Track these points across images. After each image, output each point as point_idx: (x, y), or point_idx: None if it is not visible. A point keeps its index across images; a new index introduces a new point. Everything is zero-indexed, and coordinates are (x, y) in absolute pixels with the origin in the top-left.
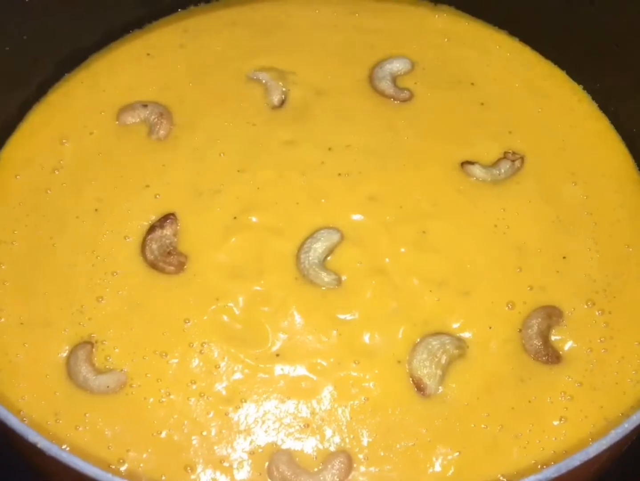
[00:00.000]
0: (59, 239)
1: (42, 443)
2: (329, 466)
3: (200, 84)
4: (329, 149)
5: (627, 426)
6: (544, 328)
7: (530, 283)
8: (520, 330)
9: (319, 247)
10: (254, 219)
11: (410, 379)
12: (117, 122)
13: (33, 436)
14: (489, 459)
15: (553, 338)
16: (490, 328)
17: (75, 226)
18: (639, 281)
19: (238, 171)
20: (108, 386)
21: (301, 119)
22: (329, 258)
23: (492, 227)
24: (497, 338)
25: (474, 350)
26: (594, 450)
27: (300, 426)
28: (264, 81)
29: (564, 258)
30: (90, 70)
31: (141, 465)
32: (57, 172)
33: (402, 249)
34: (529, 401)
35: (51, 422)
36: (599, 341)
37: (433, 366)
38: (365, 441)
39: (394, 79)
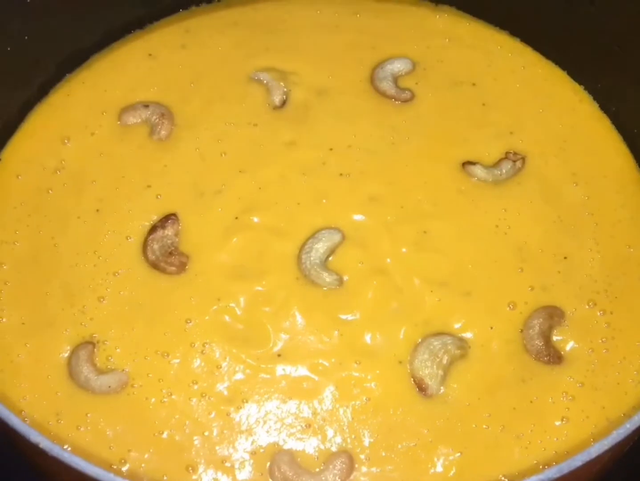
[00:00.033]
0: (60, 240)
1: (44, 443)
2: (331, 466)
3: (202, 85)
4: (330, 149)
5: (629, 427)
6: (546, 328)
7: (532, 283)
8: (521, 330)
9: (320, 247)
10: (255, 219)
11: (412, 379)
12: (118, 123)
13: (35, 437)
14: (491, 459)
15: (554, 338)
16: (491, 328)
17: (77, 226)
18: None
19: (239, 171)
20: (109, 386)
21: (302, 120)
22: (330, 258)
23: (494, 227)
24: (498, 338)
25: (476, 350)
26: (595, 450)
27: (301, 426)
28: (265, 82)
29: (565, 258)
30: (91, 70)
31: (143, 465)
32: (58, 173)
33: (404, 250)
34: (531, 402)
35: (53, 422)
36: (600, 341)
37: (434, 366)
38: (366, 441)
39: (395, 79)
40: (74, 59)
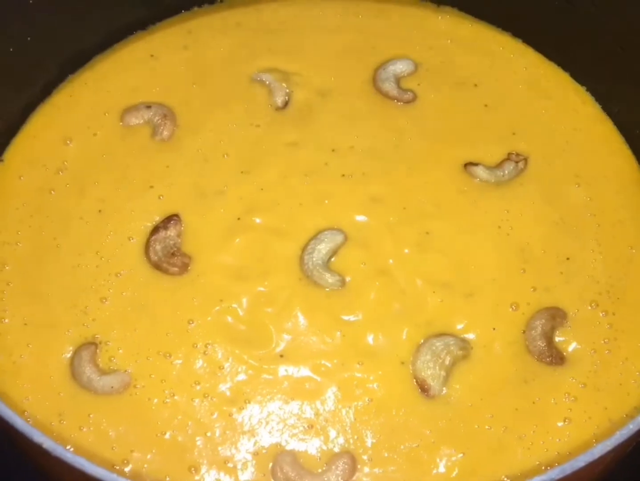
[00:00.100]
0: (62, 240)
1: (47, 443)
2: (333, 467)
3: (204, 85)
4: (333, 150)
5: (631, 427)
6: (548, 329)
7: (534, 284)
8: (524, 331)
9: (322, 248)
10: (257, 220)
11: (414, 380)
12: (121, 123)
13: (38, 437)
14: (493, 460)
15: (557, 339)
16: (494, 329)
17: (79, 226)
18: None
19: (242, 172)
20: (112, 387)
21: (305, 121)
22: (332, 259)
23: (496, 228)
24: (501, 339)
25: (478, 351)
26: (598, 451)
27: (304, 427)
28: (267, 82)
29: (568, 259)
30: (94, 71)
31: (145, 465)
32: (61, 173)
33: (406, 250)
34: (533, 402)
35: (55, 423)
36: (602, 342)
37: (437, 367)
38: (369, 442)
39: (398, 80)
40: (76, 60)
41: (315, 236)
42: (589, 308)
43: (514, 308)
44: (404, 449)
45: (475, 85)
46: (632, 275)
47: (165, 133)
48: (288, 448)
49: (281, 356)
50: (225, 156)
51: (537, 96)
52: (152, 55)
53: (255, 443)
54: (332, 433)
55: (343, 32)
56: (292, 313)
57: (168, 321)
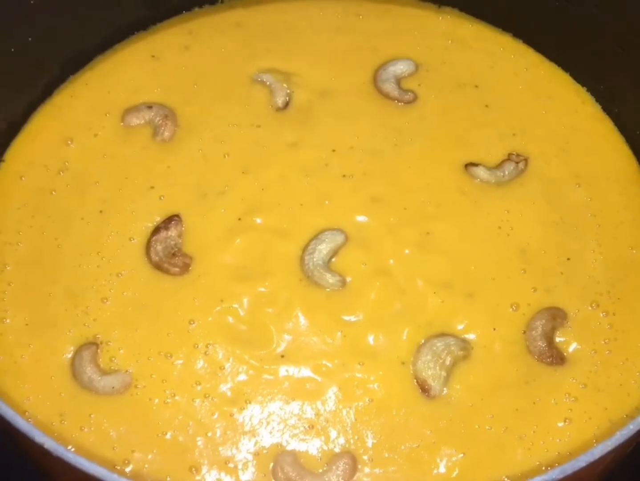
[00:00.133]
0: (63, 241)
1: (48, 443)
2: (334, 467)
3: (205, 86)
4: (333, 150)
5: (632, 428)
6: (548, 329)
7: (534, 285)
8: (524, 332)
9: (323, 248)
10: (258, 220)
11: (415, 380)
12: (122, 124)
13: (39, 437)
14: (494, 460)
15: (557, 339)
16: (494, 329)
17: (80, 227)
18: None
19: (242, 172)
20: (113, 387)
21: (305, 121)
22: (333, 259)
23: (496, 228)
24: (501, 339)
25: (478, 352)
26: (599, 451)
27: (304, 427)
28: (268, 83)
29: (568, 259)
30: (95, 72)
31: (146, 465)
32: (62, 174)
33: (406, 251)
34: (534, 403)
35: (56, 423)
36: (603, 342)
37: (437, 367)
38: (369, 442)
39: (398, 80)
40: (77, 61)
41: (316, 236)
42: (590, 308)
43: (515, 309)
44: (405, 449)
45: (476, 85)
46: (632, 275)
47: (166, 133)
48: (289, 448)
49: (282, 356)
50: (226, 156)
51: (538, 96)
52: (153, 56)
53: (256, 443)
54: (333, 433)
55: (344, 32)
56: (293, 313)
57: (169, 321)
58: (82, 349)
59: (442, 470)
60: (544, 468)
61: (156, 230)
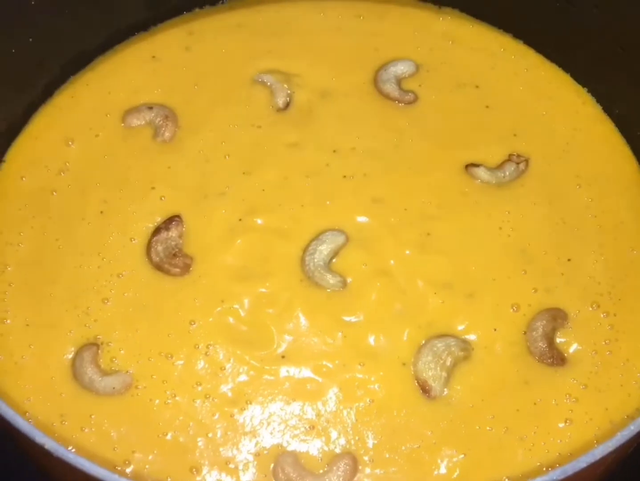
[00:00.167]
0: (64, 241)
1: (49, 444)
2: (334, 468)
3: (206, 87)
4: (334, 151)
5: (632, 429)
6: (549, 330)
7: (535, 285)
8: (525, 332)
9: (324, 249)
10: (259, 221)
11: (416, 381)
12: (122, 125)
13: (40, 438)
14: (494, 461)
15: (558, 340)
16: (495, 330)
17: (81, 227)
18: None
19: (243, 173)
20: (114, 388)
21: (306, 122)
22: (334, 260)
23: (497, 229)
24: (502, 340)
25: (479, 352)
26: (599, 452)
27: (305, 427)
28: (269, 84)
29: (569, 260)
30: (95, 72)
31: (147, 466)
32: (62, 174)
33: (407, 251)
34: (534, 404)
35: (57, 423)
36: (603, 343)
37: (438, 368)
38: (370, 443)
39: (399, 81)
40: (78, 61)
41: (317, 237)
42: (590, 309)
43: (515, 309)
44: (405, 450)
45: (477, 86)
46: (633, 276)
47: (167, 134)
48: (289, 448)
49: (282, 357)
50: (227, 157)
51: (538, 97)
52: (153, 57)
53: (256, 444)
54: (334, 434)
55: (344, 33)
56: (294, 313)
57: (169, 321)
58: (82, 350)
59: (442, 470)
60: (544, 468)
61: (157, 231)
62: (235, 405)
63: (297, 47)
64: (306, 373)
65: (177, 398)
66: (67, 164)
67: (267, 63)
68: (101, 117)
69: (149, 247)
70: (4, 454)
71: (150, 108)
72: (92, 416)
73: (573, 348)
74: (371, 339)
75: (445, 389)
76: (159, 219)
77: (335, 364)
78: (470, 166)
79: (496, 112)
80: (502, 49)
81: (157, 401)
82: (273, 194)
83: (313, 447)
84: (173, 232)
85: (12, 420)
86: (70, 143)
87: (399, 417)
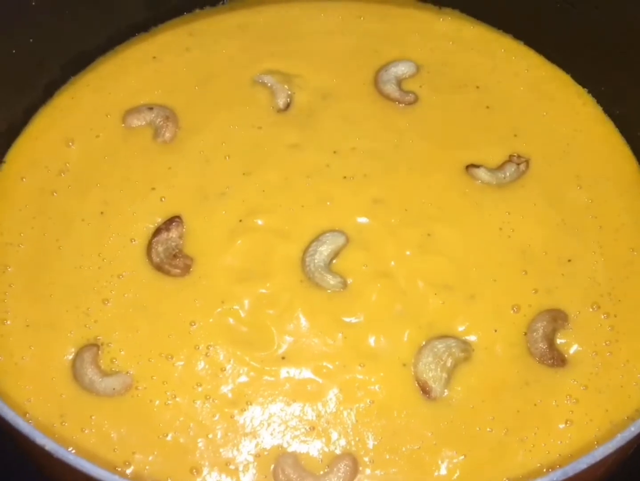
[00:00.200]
0: (65, 242)
1: (49, 445)
2: (335, 469)
3: (206, 87)
4: (334, 152)
5: (633, 430)
6: (549, 331)
7: (536, 286)
8: (525, 333)
9: (324, 250)
10: (259, 222)
11: (416, 382)
12: (123, 125)
13: (40, 439)
14: (495, 462)
15: (558, 341)
16: (495, 331)
17: (81, 228)
18: None
19: (243, 173)
20: (114, 389)
21: (306, 123)
22: (334, 260)
23: (497, 230)
24: (502, 341)
25: (480, 353)
26: (600, 453)
27: (305, 428)
28: (269, 84)
29: (569, 261)
30: (96, 73)
31: (147, 467)
32: (63, 175)
33: (407, 252)
34: (535, 405)
35: (57, 424)
36: (604, 344)
37: (438, 369)
38: (370, 444)
39: (399, 82)
40: (78, 62)
41: (317, 238)
42: (591, 310)
43: (516, 310)
44: (406, 451)
45: (477, 87)
46: (633, 277)
47: (167, 135)
48: (290, 450)
49: (283, 358)
50: (227, 157)
51: (539, 98)
52: (154, 57)
53: (256, 445)
54: (334, 435)
55: (345, 34)
56: (294, 314)
57: (170, 322)
58: (83, 351)
59: (443, 471)
60: (545, 469)
61: (157, 231)
62: (236, 405)
63: (298, 48)
64: (306, 374)
65: (177, 399)
66: (68, 164)
67: (268, 64)
68: (101, 118)
69: (149, 248)
70: (4, 454)
71: (151, 109)
72: (93, 417)
73: (573, 349)
74: (371, 340)
75: (446, 390)
76: (159, 220)
77: (336, 365)
78: (470, 166)
79: (497, 112)
80: (502, 50)
81: (157, 402)
82: (273, 194)
83: (313, 448)
84: (173, 233)
85: (12, 420)
86: (70, 144)
87: (399, 418)
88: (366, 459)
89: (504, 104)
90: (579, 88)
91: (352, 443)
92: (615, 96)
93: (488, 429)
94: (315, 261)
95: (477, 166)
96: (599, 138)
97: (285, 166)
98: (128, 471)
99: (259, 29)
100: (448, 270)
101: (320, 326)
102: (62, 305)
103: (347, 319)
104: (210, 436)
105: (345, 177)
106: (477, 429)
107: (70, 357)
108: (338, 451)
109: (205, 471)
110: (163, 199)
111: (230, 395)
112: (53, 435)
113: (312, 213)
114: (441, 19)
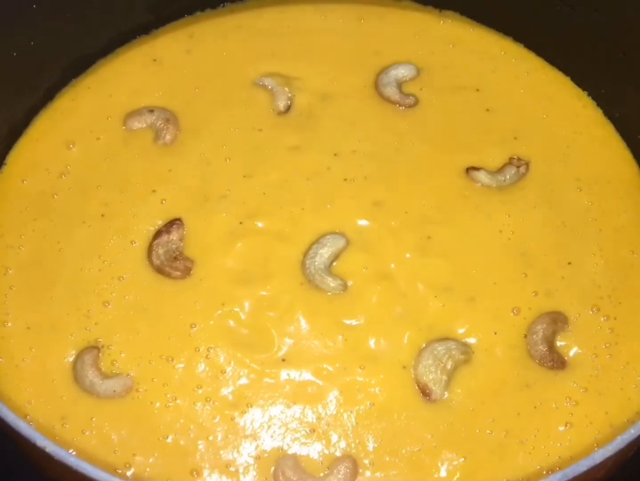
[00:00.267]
0: (65, 244)
1: (49, 447)
2: (335, 471)
3: (206, 90)
4: (335, 154)
5: (633, 432)
6: (549, 333)
7: (535, 289)
8: (525, 336)
9: (324, 252)
10: (260, 224)
11: (416, 384)
12: (123, 128)
13: (41, 441)
14: (495, 464)
15: (558, 343)
16: (495, 333)
17: (82, 230)
18: None
19: (244, 176)
20: (114, 391)
21: (307, 125)
22: (334, 263)
23: (497, 232)
24: (502, 343)
25: (480, 356)
26: (599, 455)
27: (306, 431)
28: (269, 87)
29: (569, 263)
30: (97, 75)
31: (147, 469)
32: (63, 177)
33: (408, 255)
34: (534, 407)
35: (58, 426)
36: (604, 346)
37: (438, 371)
38: (370, 446)
39: (400, 84)
40: (79, 64)
41: (317, 240)
42: (591, 312)
43: (516, 313)
44: (406, 453)
45: (477, 89)
46: (633, 280)
47: (168, 137)
48: (290, 452)
49: (283, 360)
50: (228, 160)
51: (539, 100)
52: (154, 60)
53: (257, 447)
54: (334, 437)
55: (345, 36)
56: (294, 317)
57: (170, 325)
58: (83, 353)
59: (443, 474)
60: (545, 472)
61: (158, 234)
62: (236, 408)
63: (298, 50)
64: (307, 376)
65: (177, 401)
66: (68, 167)
67: (268, 66)
68: (102, 120)
69: (149, 250)
70: (5, 456)
71: (151, 111)
72: (93, 419)
73: (573, 351)
74: (372, 343)
75: (446, 392)
76: (159, 222)
77: (336, 367)
78: (470, 169)
79: (497, 115)
80: (502, 52)
81: (157, 404)
82: (274, 197)
83: (313, 450)
84: (174, 236)
85: (13, 423)
86: (71, 146)
87: (399, 420)
88: (366, 461)
89: (504, 106)
90: (579, 90)
91: (352, 445)
92: (615, 99)
93: (488, 431)
94: (316, 263)
95: (477, 169)
96: (599, 141)
97: (286, 168)
98: (128, 473)
99: (260, 31)
100: (448, 272)
101: (321, 329)
102: (62, 307)
103: (347, 322)
104: (210, 438)
105: (345, 179)
106: (477, 431)
107: (71, 359)
108: (338, 454)
109: (205, 473)
110: (164, 201)
111: (230, 397)
112: (54, 437)
113: (313, 215)
114: (441, 22)
